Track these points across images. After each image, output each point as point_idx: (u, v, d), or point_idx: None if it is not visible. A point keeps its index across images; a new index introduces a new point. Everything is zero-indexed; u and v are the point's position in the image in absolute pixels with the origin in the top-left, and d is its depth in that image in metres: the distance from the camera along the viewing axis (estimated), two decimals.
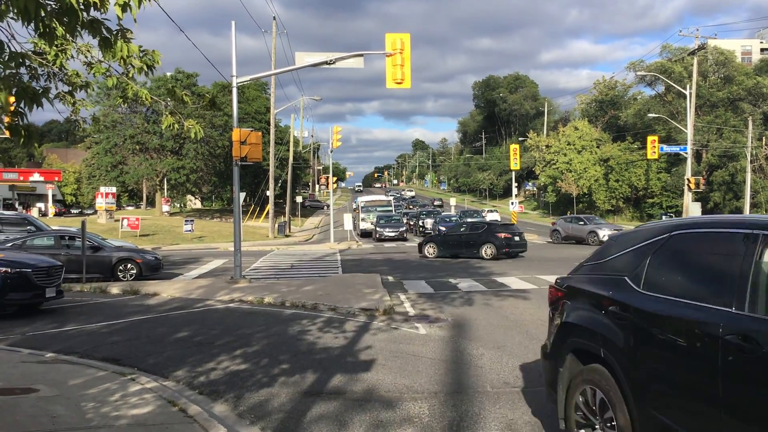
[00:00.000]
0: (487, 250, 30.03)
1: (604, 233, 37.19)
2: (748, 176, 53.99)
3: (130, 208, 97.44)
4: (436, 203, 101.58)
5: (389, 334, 11.71)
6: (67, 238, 22.00)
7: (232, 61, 20.38)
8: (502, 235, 30.53)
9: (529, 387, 8.04)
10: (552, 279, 19.63)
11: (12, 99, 5.41)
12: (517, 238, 30.86)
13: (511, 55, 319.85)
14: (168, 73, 65.19)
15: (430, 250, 31.76)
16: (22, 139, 5.53)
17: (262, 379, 8.56)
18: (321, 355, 10.01)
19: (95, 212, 62.78)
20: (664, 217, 59.70)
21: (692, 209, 50.21)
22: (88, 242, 20.68)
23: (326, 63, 19.51)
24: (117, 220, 46.12)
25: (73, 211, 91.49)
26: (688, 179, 51.59)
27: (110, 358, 9.81)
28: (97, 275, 20.61)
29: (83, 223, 20.97)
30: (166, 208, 72.00)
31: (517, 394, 7.75)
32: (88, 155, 73.34)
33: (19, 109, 5.45)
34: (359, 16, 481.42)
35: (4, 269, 13.35)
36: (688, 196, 52.04)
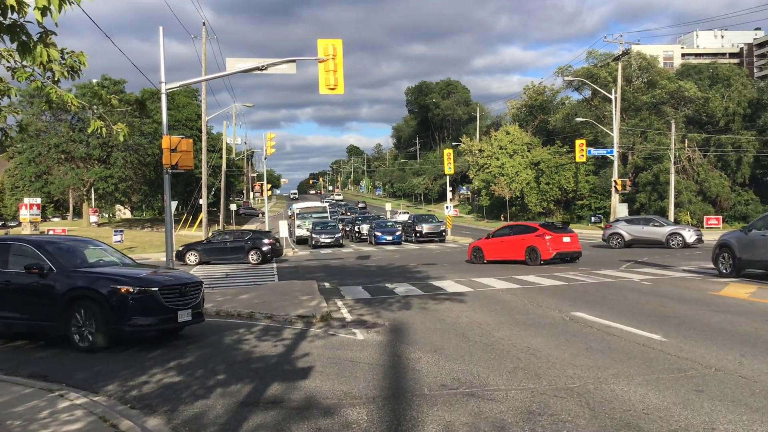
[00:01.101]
0: (253, 256, 32.80)
1: (691, 235, 33.92)
2: (672, 177, 55.93)
3: (56, 219, 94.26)
4: (360, 206, 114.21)
5: (327, 340, 11.65)
6: None
7: (161, 67, 19.93)
8: (268, 241, 33.56)
9: (466, 389, 8.11)
10: (489, 282, 20.04)
11: None
12: (278, 245, 34.83)
13: (444, 61, 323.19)
14: (94, 80, 63.44)
15: (191, 258, 33.14)
16: None
17: (198, 390, 8.39)
18: (258, 364, 9.88)
19: (19, 224, 60.49)
20: (593, 218, 61.30)
21: (619, 210, 51.88)
22: None
23: (258, 69, 19.32)
24: (42, 232, 44.56)
25: None
26: (615, 181, 53.27)
27: (37, 375, 9.46)
28: None
29: (6, 236, 20.19)
30: (94, 218, 69.95)
31: (453, 396, 7.81)
32: (10, 165, 70.74)
33: None
34: (293, 21, 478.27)
35: (125, 288, 11.13)
36: (615, 198, 53.74)
